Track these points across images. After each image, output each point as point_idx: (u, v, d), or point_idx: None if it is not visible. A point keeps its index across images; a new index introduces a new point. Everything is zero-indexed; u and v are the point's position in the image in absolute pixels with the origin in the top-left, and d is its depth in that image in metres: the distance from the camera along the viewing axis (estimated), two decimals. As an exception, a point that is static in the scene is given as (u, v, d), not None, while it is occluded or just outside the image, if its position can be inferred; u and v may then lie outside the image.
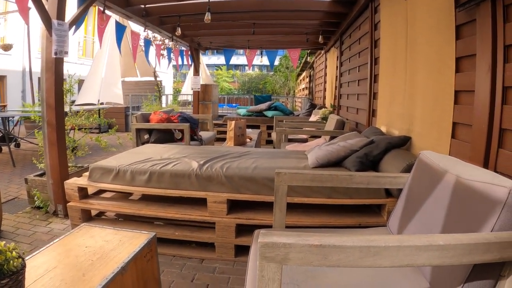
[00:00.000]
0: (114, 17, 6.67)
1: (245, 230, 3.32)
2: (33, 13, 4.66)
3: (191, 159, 3.86)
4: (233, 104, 19.56)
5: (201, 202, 3.40)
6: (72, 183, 3.71)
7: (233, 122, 6.00)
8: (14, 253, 1.50)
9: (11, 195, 5.21)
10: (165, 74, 22.81)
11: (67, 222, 4.11)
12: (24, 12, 4.55)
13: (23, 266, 1.53)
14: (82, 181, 3.76)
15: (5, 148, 8.27)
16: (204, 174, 3.44)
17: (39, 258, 1.99)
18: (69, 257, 2.08)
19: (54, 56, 4.15)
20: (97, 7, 5.81)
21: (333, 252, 1.15)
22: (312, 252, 1.14)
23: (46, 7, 4.12)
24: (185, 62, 11.00)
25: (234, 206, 3.41)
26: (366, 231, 2.32)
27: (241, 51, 14.28)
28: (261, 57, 11.26)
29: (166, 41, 11.89)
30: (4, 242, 1.52)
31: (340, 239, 1.16)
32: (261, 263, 1.15)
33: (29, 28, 12.36)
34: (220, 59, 34.33)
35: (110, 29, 7.98)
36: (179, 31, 7.40)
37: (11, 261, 1.47)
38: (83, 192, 3.75)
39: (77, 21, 4.73)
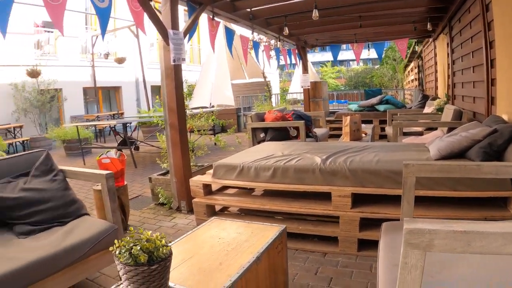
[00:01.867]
0: (222, 23, 6.96)
1: (367, 224, 3.30)
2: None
3: (313, 154, 3.91)
4: (342, 100, 19.24)
5: (323, 196, 3.44)
6: (197, 180, 3.96)
7: (348, 117, 5.98)
8: (163, 241, 1.65)
9: (135, 193, 5.69)
10: (271, 74, 23.25)
11: (190, 217, 4.39)
12: (140, 25, 4.95)
13: (170, 253, 1.67)
14: (206, 178, 4.01)
15: (126, 151, 9.05)
16: (328, 168, 3.47)
17: (174, 249, 2.11)
18: (204, 248, 2.23)
19: (173, 63, 4.45)
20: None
21: (477, 239, 1.13)
22: (456, 238, 1.13)
23: (161, 18, 4.45)
24: (293, 61, 11.08)
25: (356, 200, 3.39)
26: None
27: (345, 46, 14.02)
28: (369, 50, 10.98)
29: (272, 41, 12.08)
30: (150, 231, 1.67)
31: (483, 226, 1.14)
32: (405, 249, 1.16)
33: (139, 42, 13.43)
34: (324, 56, 33.93)
35: (219, 35, 8.34)
36: (286, 31, 7.47)
37: (160, 249, 1.61)
38: (207, 189, 3.98)
39: (190, 29, 5.02)
